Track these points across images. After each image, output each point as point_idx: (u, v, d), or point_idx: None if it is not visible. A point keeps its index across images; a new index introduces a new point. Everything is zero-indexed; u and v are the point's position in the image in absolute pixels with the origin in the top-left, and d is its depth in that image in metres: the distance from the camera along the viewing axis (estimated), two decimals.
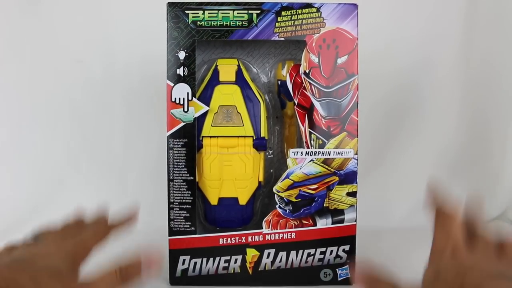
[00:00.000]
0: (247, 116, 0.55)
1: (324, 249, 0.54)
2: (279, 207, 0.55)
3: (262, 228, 0.54)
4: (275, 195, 0.55)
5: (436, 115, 0.83)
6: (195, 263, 0.54)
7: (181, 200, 0.53)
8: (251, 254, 0.54)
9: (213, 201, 0.56)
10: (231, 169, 0.55)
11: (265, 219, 0.55)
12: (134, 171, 0.82)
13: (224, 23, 0.53)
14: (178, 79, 0.52)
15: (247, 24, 0.53)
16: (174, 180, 0.53)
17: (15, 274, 0.34)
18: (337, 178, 0.54)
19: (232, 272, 0.54)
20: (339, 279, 0.55)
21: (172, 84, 0.52)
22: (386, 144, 0.84)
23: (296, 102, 0.55)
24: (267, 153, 0.58)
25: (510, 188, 0.80)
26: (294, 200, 0.54)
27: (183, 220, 0.54)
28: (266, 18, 0.53)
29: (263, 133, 0.56)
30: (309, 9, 0.53)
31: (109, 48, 0.80)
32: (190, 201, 0.53)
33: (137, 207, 0.48)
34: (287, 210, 0.54)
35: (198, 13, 0.53)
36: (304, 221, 0.55)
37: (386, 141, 0.84)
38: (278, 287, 0.55)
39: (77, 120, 0.81)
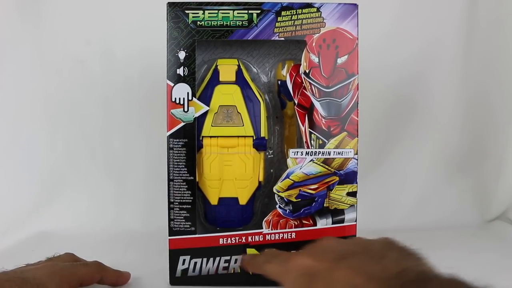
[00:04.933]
0: (247, 116, 0.55)
1: None
2: (279, 207, 0.55)
3: (262, 228, 0.54)
4: (275, 195, 0.55)
5: (437, 115, 0.83)
6: (195, 263, 0.54)
7: (181, 200, 0.53)
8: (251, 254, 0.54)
9: (213, 201, 0.56)
10: (231, 169, 0.55)
11: (265, 219, 0.55)
12: (134, 171, 0.82)
13: (224, 23, 0.53)
14: (178, 79, 0.52)
15: (247, 24, 0.53)
16: (174, 180, 0.53)
17: (3, 282, 0.40)
18: (337, 178, 0.54)
19: (232, 272, 0.54)
20: None
21: (172, 84, 0.52)
22: (386, 144, 0.84)
23: (296, 102, 0.55)
24: (267, 153, 0.58)
25: (510, 188, 0.80)
26: (294, 200, 0.54)
27: (183, 220, 0.54)
28: (266, 18, 0.53)
29: (263, 133, 0.56)
30: (309, 9, 0.53)
31: (109, 47, 0.80)
32: (190, 201, 0.53)
33: (129, 274, 0.55)
34: (287, 210, 0.54)
35: (198, 13, 0.53)
36: (304, 221, 0.55)
37: (386, 141, 0.84)
38: (278, 287, 0.55)
39: (77, 120, 0.81)
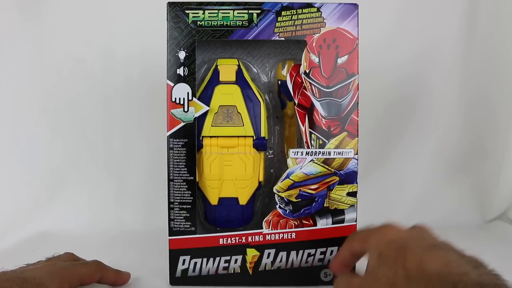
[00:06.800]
0: (247, 116, 0.55)
1: (324, 249, 0.54)
2: (279, 207, 0.55)
3: (262, 228, 0.54)
4: (275, 195, 0.55)
5: (437, 115, 0.83)
6: (195, 263, 0.54)
7: (181, 200, 0.53)
8: (251, 254, 0.54)
9: (213, 201, 0.56)
10: (231, 169, 0.55)
11: (265, 219, 0.55)
12: (134, 171, 0.82)
13: (224, 23, 0.53)
14: (178, 79, 0.52)
15: (247, 24, 0.53)
16: (174, 180, 0.53)
17: (3, 282, 0.40)
18: (337, 178, 0.54)
19: (232, 272, 0.54)
20: None
21: (172, 84, 0.52)
22: (386, 144, 0.84)
23: (296, 102, 0.55)
24: (267, 153, 0.58)
25: (510, 188, 0.80)
26: (294, 200, 0.54)
27: (183, 220, 0.54)
28: (266, 18, 0.53)
29: (263, 133, 0.56)
30: (309, 9, 0.53)
31: (109, 47, 0.80)
32: (190, 201, 0.53)
33: (129, 274, 0.54)
34: (287, 210, 0.54)
35: (198, 13, 0.53)
36: (304, 221, 0.55)
37: (386, 141, 0.84)
38: (278, 287, 0.55)
39: (77, 120, 0.81)
